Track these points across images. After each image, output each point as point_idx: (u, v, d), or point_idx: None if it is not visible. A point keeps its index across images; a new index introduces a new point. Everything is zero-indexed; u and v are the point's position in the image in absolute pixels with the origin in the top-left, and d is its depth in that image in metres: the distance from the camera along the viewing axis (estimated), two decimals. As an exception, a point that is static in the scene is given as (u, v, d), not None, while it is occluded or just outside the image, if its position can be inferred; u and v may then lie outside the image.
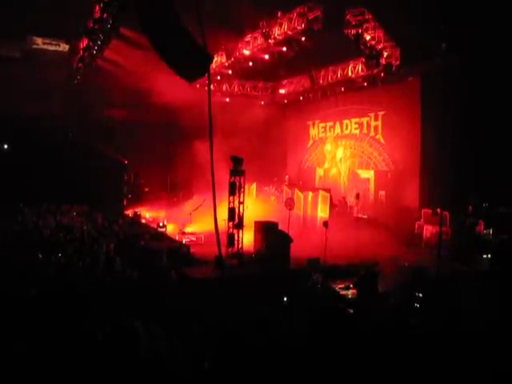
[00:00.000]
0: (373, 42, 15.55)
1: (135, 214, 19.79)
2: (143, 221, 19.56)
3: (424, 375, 4.63)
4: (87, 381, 3.81)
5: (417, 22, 13.47)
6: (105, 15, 15.23)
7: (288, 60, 18.37)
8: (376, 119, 19.60)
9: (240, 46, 18.09)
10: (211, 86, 12.84)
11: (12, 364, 4.18)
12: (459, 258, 12.55)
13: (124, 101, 20.88)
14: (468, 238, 13.22)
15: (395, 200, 17.89)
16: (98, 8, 15.26)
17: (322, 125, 23.31)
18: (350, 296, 9.79)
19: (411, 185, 17.08)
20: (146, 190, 23.99)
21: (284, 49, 16.83)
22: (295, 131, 25.56)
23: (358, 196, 18.38)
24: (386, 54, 15.82)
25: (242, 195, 13.07)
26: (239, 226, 13.10)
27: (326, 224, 13.35)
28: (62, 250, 10.67)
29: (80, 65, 20.18)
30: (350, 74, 18.77)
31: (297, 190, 19.61)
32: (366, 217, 17.96)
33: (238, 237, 13.07)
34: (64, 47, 22.38)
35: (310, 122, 24.20)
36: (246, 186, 14.04)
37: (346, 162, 21.50)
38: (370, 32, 15.36)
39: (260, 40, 16.87)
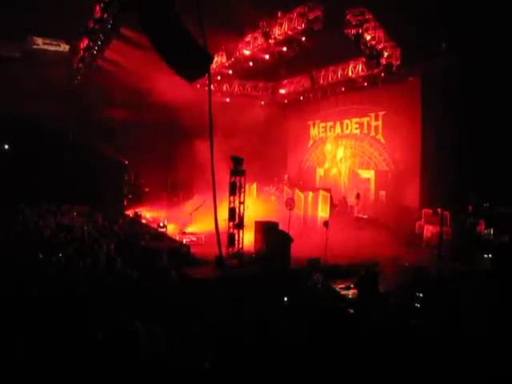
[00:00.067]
0: (373, 42, 15.55)
1: (136, 214, 19.79)
2: (144, 221, 19.56)
3: (425, 375, 4.63)
4: (88, 381, 3.81)
5: (417, 21, 13.46)
6: (105, 15, 15.23)
7: (288, 60, 18.37)
8: (376, 119, 19.60)
9: (240, 46, 18.09)
10: (211, 86, 12.88)
11: (13, 364, 4.18)
12: (460, 258, 12.55)
13: (124, 101, 20.87)
14: (468, 238, 13.22)
15: (396, 200, 17.89)
16: (98, 8, 15.27)
17: (323, 125, 23.31)
18: (350, 296, 9.78)
19: (412, 185, 17.08)
20: (147, 190, 23.98)
21: (284, 49, 16.83)
22: (295, 131, 25.56)
23: (358, 196, 18.38)
24: (386, 53, 15.83)
25: (242, 195, 13.06)
26: (239, 226, 13.10)
27: (326, 224, 13.35)
28: (62, 250, 10.65)
29: (80, 65, 20.19)
30: (350, 73, 18.77)
31: (297, 190, 19.59)
32: (366, 217, 17.95)
33: (239, 237, 13.07)
34: (64, 47, 22.38)
35: (311, 122, 24.20)
36: (247, 186, 14.04)
37: (347, 162, 21.50)
38: (370, 32, 15.35)
39: (260, 40, 16.87)
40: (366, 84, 18.80)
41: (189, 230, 16.57)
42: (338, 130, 22.12)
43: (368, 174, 20.15)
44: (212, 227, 8.41)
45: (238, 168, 13.06)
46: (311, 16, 14.50)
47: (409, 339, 5.56)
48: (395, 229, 15.53)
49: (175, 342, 4.54)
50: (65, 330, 5.01)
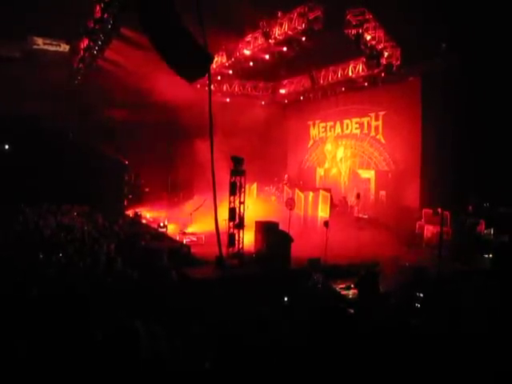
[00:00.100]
0: (373, 42, 15.55)
1: (136, 214, 19.79)
2: (144, 221, 19.56)
3: (425, 375, 4.63)
4: (88, 381, 3.81)
5: (417, 22, 13.48)
6: (105, 15, 15.23)
7: (288, 60, 18.37)
8: (376, 119, 19.60)
9: (240, 46, 18.09)
10: (212, 86, 12.88)
11: (13, 364, 4.18)
12: (460, 258, 12.55)
13: (125, 101, 20.86)
14: (469, 238, 13.22)
15: (396, 200, 17.89)
16: (98, 8, 15.27)
17: (323, 125, 23.31)
18: (350, 296, 9.78)
19: (412, 185, 17.08)
20: (147, 190, 23.97)
21: (284, 49, 16.83)
22: (296, 131, 25.55)
23: (358, 196, 18.37)
24: (386, 54, 15.83)
25: (242, 195, 13.06)
26: (240, 226, 13.09)
27: (326, 224, 13.35)
28: (62, 250, 10.65)
29: (80, 65, 20.19)
30: (350, 73, 18.77)
31: (297, 190, 19.59)
32: (366, 217, 17.96)
33: (239, 237, 13.07)
34: (64, 47, 22.39)
35: (311, 122, 24.20)
36: (247, 186, 14.05)
37: (347, 162, 21.50)
38: (370, 32, 15.35)
39: (260, 40, 16.86)
40: (366, 84, 18.80)
41: (189, 230, 16.58)
42: (338, 129, 22.12)
43: (368, 174, 20.15)
44: (212, 227, 8.40)
45: (238, 168, 13.06)
46: (311, 16, 14.50)
47: (409, 339, 5.56)
48: (395, 229, 15.53)
49: (175, 342, 4.54)
50: (65, 329, 5.01)
